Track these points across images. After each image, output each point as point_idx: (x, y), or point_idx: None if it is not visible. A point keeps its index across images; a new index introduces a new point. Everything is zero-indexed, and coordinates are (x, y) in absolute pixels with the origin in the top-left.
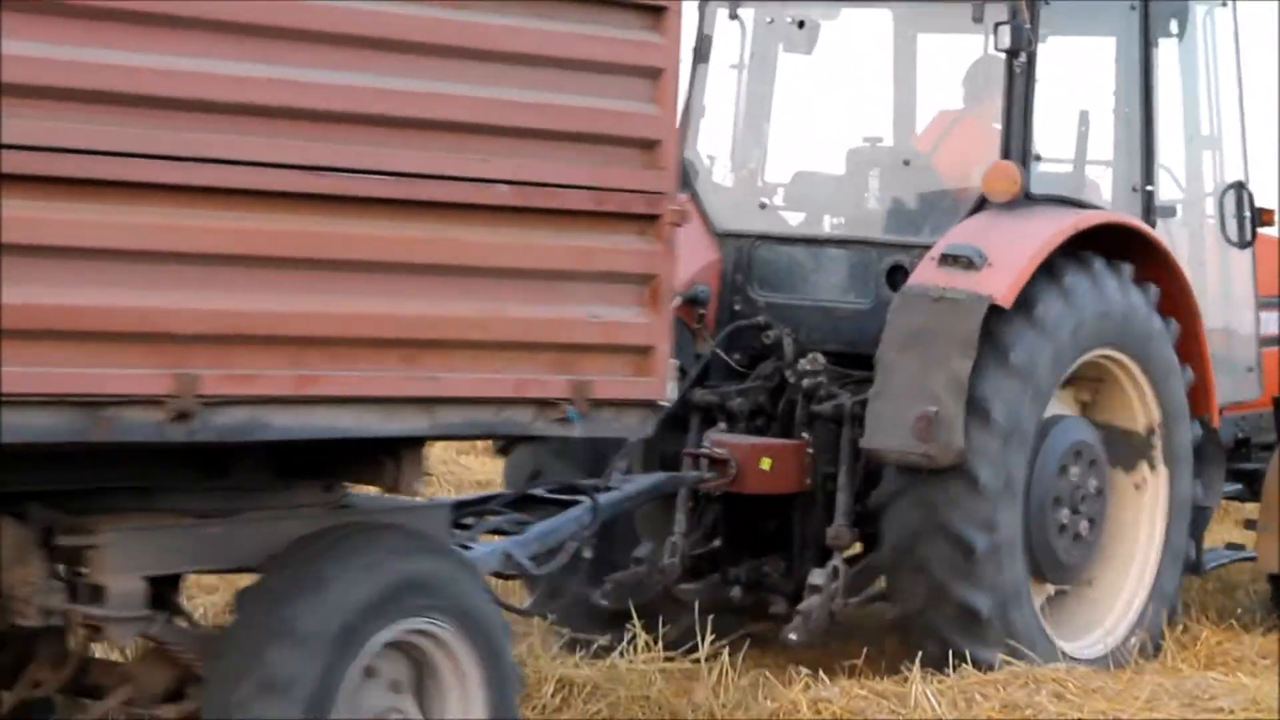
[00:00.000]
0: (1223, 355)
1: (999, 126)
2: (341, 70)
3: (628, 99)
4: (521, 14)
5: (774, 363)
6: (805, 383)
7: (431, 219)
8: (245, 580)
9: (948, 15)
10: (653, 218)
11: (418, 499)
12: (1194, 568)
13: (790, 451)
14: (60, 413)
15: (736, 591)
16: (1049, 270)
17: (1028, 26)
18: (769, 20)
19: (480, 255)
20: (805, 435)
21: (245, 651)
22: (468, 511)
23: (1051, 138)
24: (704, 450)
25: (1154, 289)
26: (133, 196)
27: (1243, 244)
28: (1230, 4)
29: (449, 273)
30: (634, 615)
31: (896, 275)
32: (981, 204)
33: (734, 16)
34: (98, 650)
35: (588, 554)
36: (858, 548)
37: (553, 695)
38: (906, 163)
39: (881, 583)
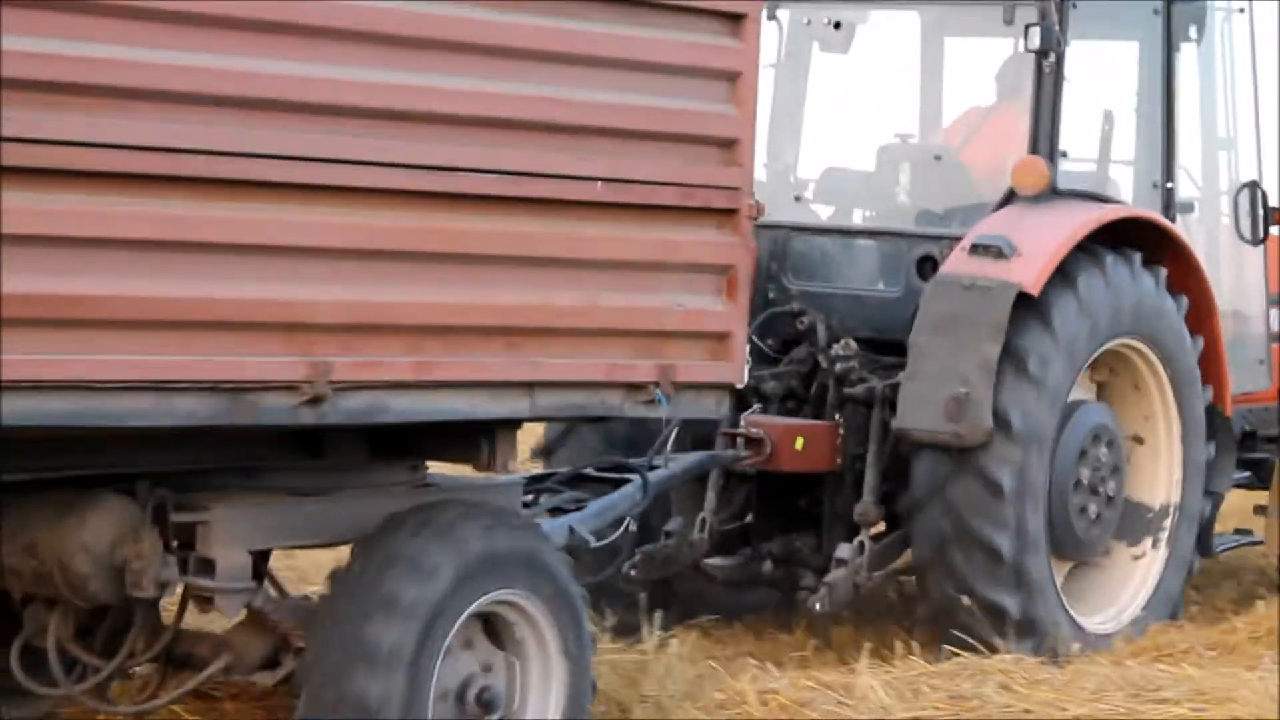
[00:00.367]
0: (1236, 348)
1: (1025, 125)
2: (460, 76)
3: (710, 100)
4: (616, 21)
5: (807, 348)
6: (837, 367)
7: (536, 214)
8: (319, 554)
9: (974, 18)
10: (731, 212)
11: (493, 477)
12: (1205, 549)
13: (822, 432)
14: (206, 398)
15: (768, 565)
16: (1075, 260)
17: (1057, 28)
18: (806, 21)
19: (578, 248)
20: (837, 417)
21: (346, 623)
22: (529, 489)
23: (1076, 136)
24: (740, 430)
25: (1163, 272)
26: (277, 195)
27: (1256, 241)
28: (1247, 10)
29: (550, 265)
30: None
31: (926, 265)
32: (1010, 197)
33: (772, 17)
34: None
35: (633, 528)
36: (881, 525)
37: None
38: (938, 158)
39: (905, 558)
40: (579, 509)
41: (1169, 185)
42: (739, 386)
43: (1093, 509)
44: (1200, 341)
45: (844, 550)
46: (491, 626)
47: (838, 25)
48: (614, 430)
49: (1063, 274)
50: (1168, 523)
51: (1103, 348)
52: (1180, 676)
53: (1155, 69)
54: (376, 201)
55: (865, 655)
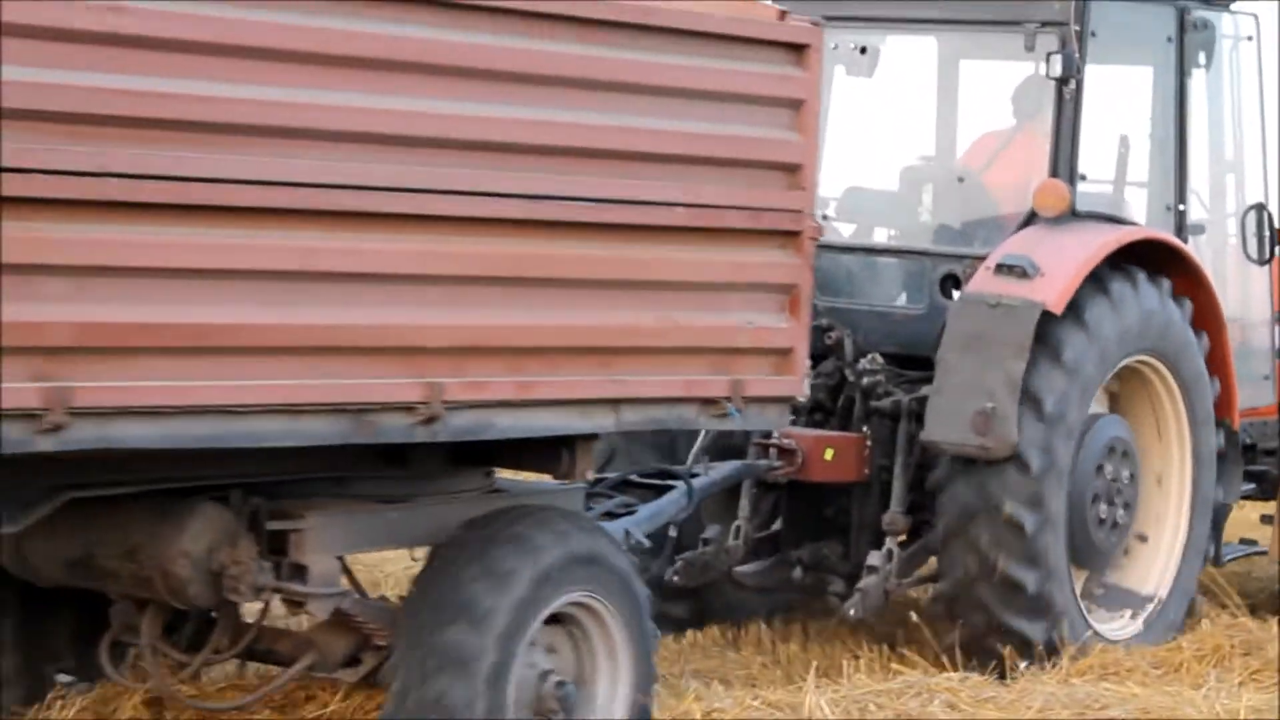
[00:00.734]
0: (1242, 364)
1: (1045, 148)
2: (556, 108)
3: (775, 127)
4: (691, 54)
5: (834, 362)
6: (864, 380)
7: (622, 239)
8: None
9: (990, 42)
10: (795, 234)
11: (556, 483)
12: (1214, 560)
13: (851, 443)
14: (332, 419)
15: (797, 572)
16: (1095, 280)
17: (1077, 55)
18: (833, 46)
19: (660, 271)
20: (864, 429)
21: (429, 627)
22: None
23: (1093, 159)
24: (774, 441)
25: (1189, 304)
26: (394, 226)
27: (1262, 261)
28: (1255, 39)
29: (635, 287)
30: None
31: (948, 283)
32: (1031, 218)
33: None
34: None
35: (673, 533)
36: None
37: None
38: (961, 180)
39: (931, 565)
40: (630, 514)
41: (1181, 208)
42: (801, 400)
43: (1109, 517)
44: (1208, 347)
45: (874, 558)
46: (563, 626)
47: (863, 50)
48: (643, 438)
49: (1094, 282)
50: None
51: (1121, 363)
52: (1126, 695)
53: (1169, 95)
54: (482, 230)
55: (812, 674)
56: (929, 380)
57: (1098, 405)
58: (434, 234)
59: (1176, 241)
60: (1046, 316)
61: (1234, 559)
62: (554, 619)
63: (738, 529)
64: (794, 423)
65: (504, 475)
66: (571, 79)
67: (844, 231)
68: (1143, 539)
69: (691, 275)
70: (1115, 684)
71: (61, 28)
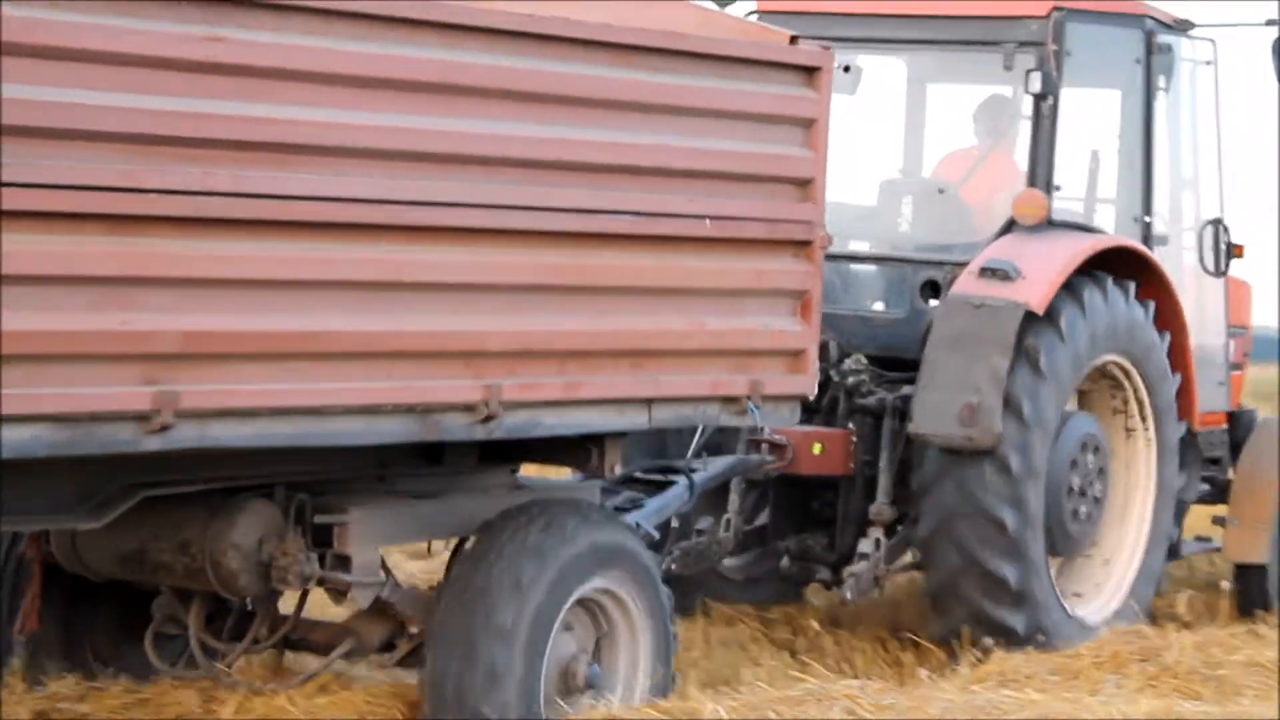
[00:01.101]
0: (1200, 370)
1: (1017, 162)
2: (599, 128)
3: (790, 144)
4: (717, 76)
5: (820, 363)
6: (849, 380)
7: (656, 249)
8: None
9: (965, 62)
10: (806, 243)
11: (571, 479)
12: (1173, 552)
13: (837, 439)
14: (404, 419)
15: (785, 561)
16: (1070, 287)
17: (1055, 73)
18: None
19: (689, 279)
20: (850, 425)
21: (473, 602)
22: None
23: (1064, 175)
24: (765, 437)
25: (1155, 309)
26: (458, 239)
27: (1218, 273)
28: (1213, 63)
29: (666, 294)
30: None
31: (928, 289)
32: (1010, 226)
33: None
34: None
35: (675, 524)
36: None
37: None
38: (941, 191)
39: (911, 556)
40: (637, 508)
41: (1148, 220)
42: (810, 398)
43: (1083, 509)
44: (1169, 347)
45: (864, 545)
46: (589, 612)
47: (846, 69)
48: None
49: (1065, 293)
50: (1145, 524)
51: (1093, 363)
52: (1024, 702)
53: (1136, 113)
54: (534, 242)
55: (711, 682)
56: (910, 380)
57: (1071, 403)
58: (493, 246)
59: (1146, 250)
60: (1028, 317)
61: (1192, 554)
62: (580, 604)
63: (728, 522)
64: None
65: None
66: (614, 101)
67: None
68: (1114, 527)
69: (716, 282)
70: (1014, 691)
71: (170, 57)
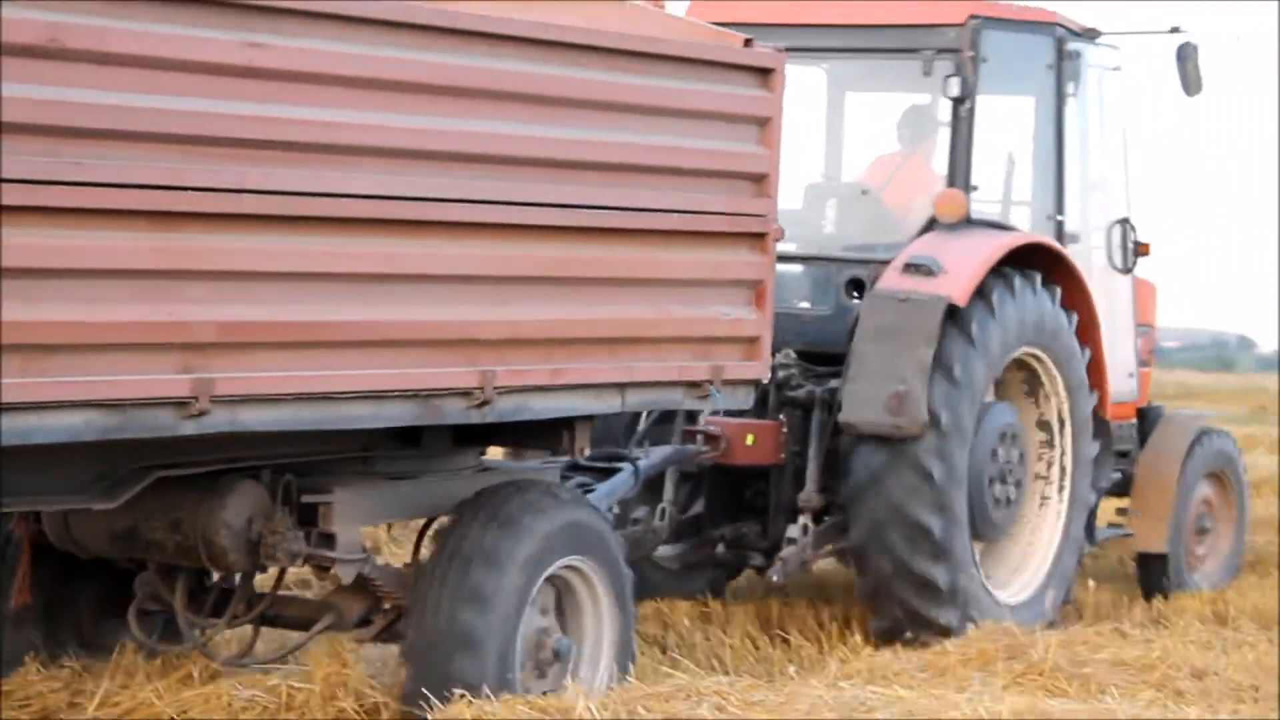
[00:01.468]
0: (1111, 361)
1: (935, 167)
2: (578, 127)
3: (746, 142)
4: (680, 78)
5: None
6: (779, 374)
7: (632, 243)
8: None
9: (884, 70)
10: (761, 236)
11: (532, 463)
12: (1088, 537)
13: (768, 430)
14: (408, 404)
15: (720, 549)
16: (987, 281)
17: (972, 79)
18: None
19: (658, 269)
20: (780, 417)
21: (455, 572)
22: None
23: (981, 177)
24: (700, 428)
25: (1059, 290)
26: (455, 233)
27: (1126, 270)
28: (1119, 69)
29: (639, 284)
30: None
31: (852, 286)
32: (931, 225)
33: None
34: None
35: (616, 510)
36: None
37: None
38: (864, 193)
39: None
40: (589, 493)
41: (1060, 218)
42: (764, 382)
43: (1005, 496)
44: (1088, 352)
45: (793, 531)
46: (557, 588)
47: None
48: None
49: (980, 291)
50: (1063, 508)
51: (1012, 354)
52: (892, 698)
53: (1048, 116)
54: (521, 235)
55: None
56: (836, 374)
57: (989, 394)
58: (484, 240)
59: (1058, 245)
60: (950, 310)
61: (1105, 539)
62: (548, 580)
63: (663, 511)
64: (715, 413)
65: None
66: (591, 101)
67: None
68: (1034, 511)
69: (681, 273)
70: (882, 687)
71: (210, 62)
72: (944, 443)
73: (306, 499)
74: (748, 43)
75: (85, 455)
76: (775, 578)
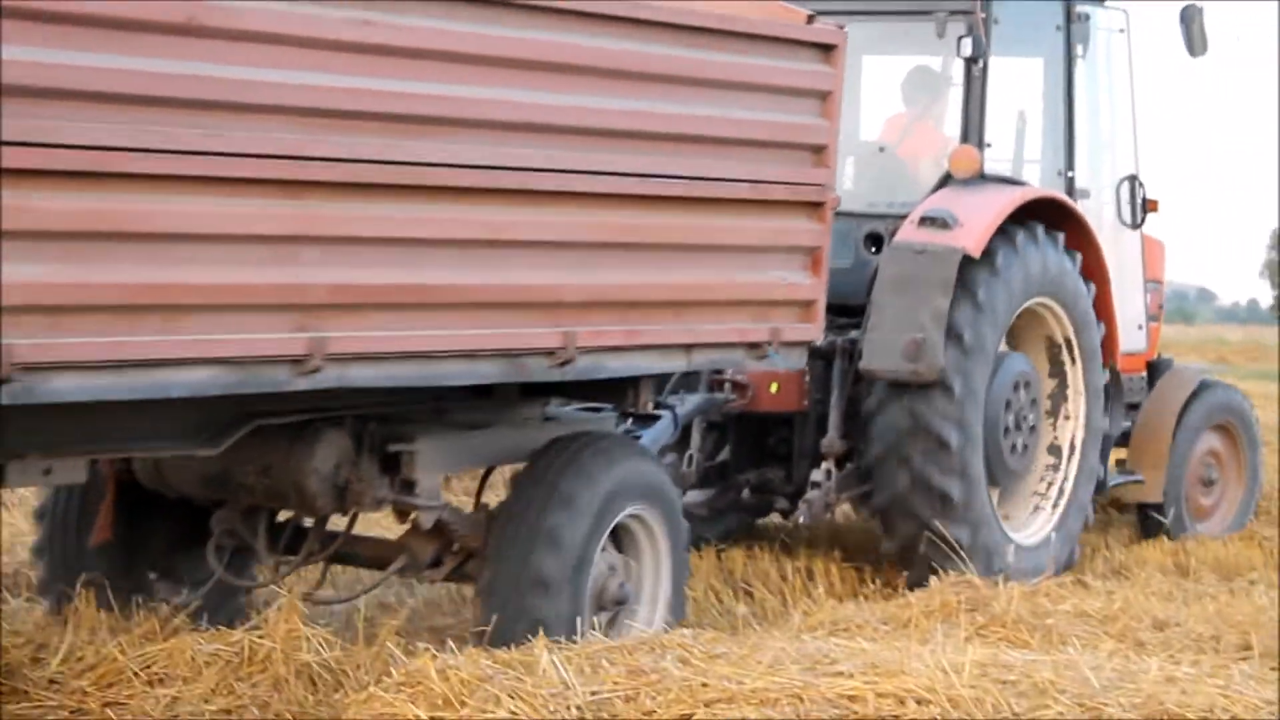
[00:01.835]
0: (1121, 313)
1: (945, 126)
2: (653, 100)
3: (808, 114)
4: (751, 54)
5: None
6: None
7: (701, 211)
8: None
9: (900, 31)
10: (819, 204)
11: (592, 412)
12: (1099, 486)
13: (792, 378)
14: (498, 362)
15: (746, 493)
16: (1002, 233)
17: (984, 39)
18: None
19: (725, 236)
20: (804, 366)
21: (531, 515)
22: None
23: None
24: (728, 377)
25: (1079, 256)
26: (542, 201)
27: (1134, 225)
28: (1125, 32)
29: (707, 250)
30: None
31: (871, 240)
32: (945, 180)
33: None
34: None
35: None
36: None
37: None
38: (881, 150)
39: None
40: (636, 439)
41: (1070, 174)
42: (818, 344)
43: (1019, 443)
44: (1093, 290)
45: (817, 475)
46: (621, 535)
47: None
48: None
49: (997, 240)
50: (1075, 454)
51: (1025, 303)
52: (855, 650)
53: (1058, 77)
54: (602, 204)
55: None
56: (856, 324)
57: (1002, 344)
58: (571, 207)
59: (1068, 200)
60: (965, 261)
61: (1116, 485)
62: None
63: (690, 458)
64: None
65: None
66: (670, 76)
67: None
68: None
69: (745, 240)
70: (845, 639)
71: (331, 39)
72: (964, 361)
73: (392, 448)
74: (810, 19)
75: (191, 405)
76: (801, 519)
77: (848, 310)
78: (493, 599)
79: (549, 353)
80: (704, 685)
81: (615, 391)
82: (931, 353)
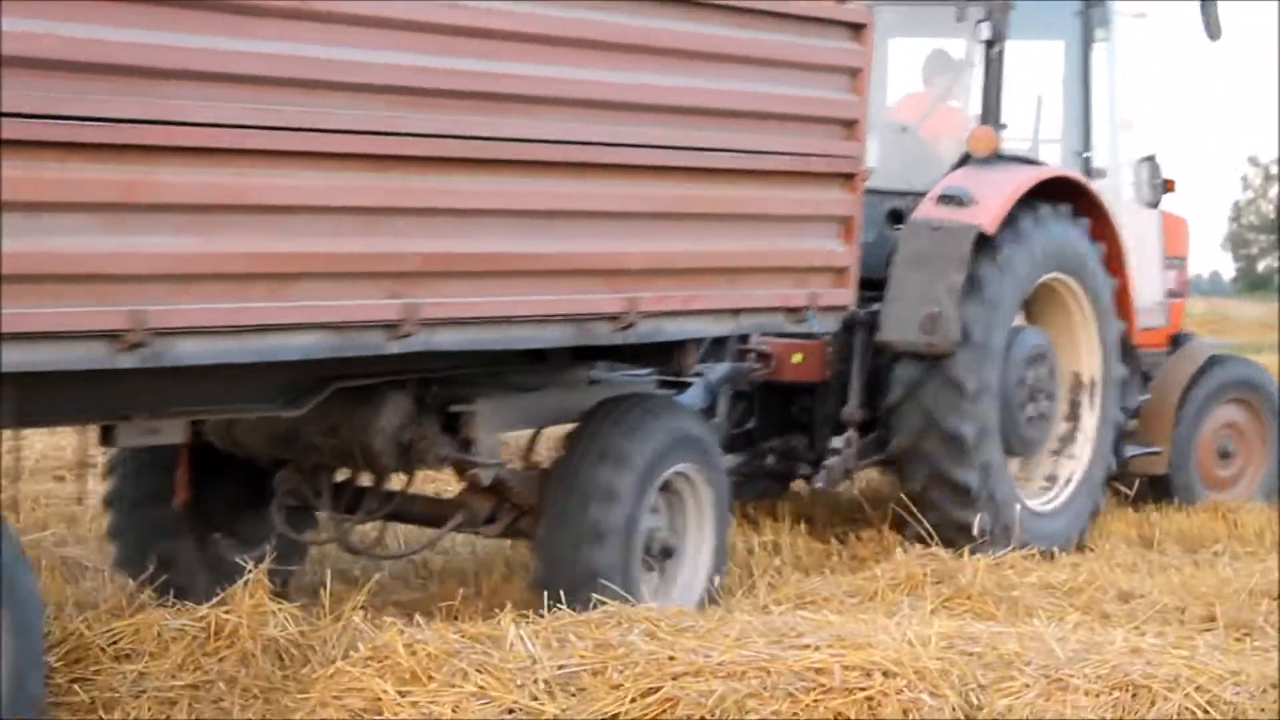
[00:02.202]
0: (1140, 289)
1: (963, 107)
2: (701, 77)
3: (840, 90)
4: (789, 33)
5: None
6: None
7: (752, 182)
8: None
9: (922, 16)
10: (851, 176)
11: (634, 374)
12: (1116, 454)
13: (815, 349)
14: (565, 327)
15: (770, 459)
16: (1018, 210)
17: (1003, 22)
18: None
19: (770, 206)
20: (826, 337)
21: (584, 471)
22: None
23: (1013, 116)
24: (752, 347)
25: (1086, 221)
26: (608, 173)
27: (1153, 204)
28: (1146, 16)
29: (753, 219)
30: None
31: (892, 217)
32: (964, 160)
33: None
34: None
35: None
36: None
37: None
38: (904, 129)
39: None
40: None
41: (1086, 154)
42: (851, 309)
43: (1037, 413)
44: (1114, 279)
45: (836, 442)
46: (667, 491)
47: None
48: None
49: (1009, 220)
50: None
51: (1040, 279)
52: (821, 623)
53: (1076, 61)
54: (660, 175)
55: (511, 606)
56: (878, 298)
57: (1020, 320)
58: (633, 179)
59: (1083, 179)
60: (981, 238)
61: (1133, 456)
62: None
63: (717, 426)
64: (766, 333)
65: None
66: (719, 54)
67: None
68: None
69: (786, 210)
70: (811, 612)
71: (422, 21)
72: (975, 356)
73: (453, 409)
74: (842, 0)
75: (277, 370)
76: (819, 484)
77: (870, 284)
78: (549, 551)
79: (613, 317)
80: (671, 659)
81: (660, 356)
82: (946, 326)
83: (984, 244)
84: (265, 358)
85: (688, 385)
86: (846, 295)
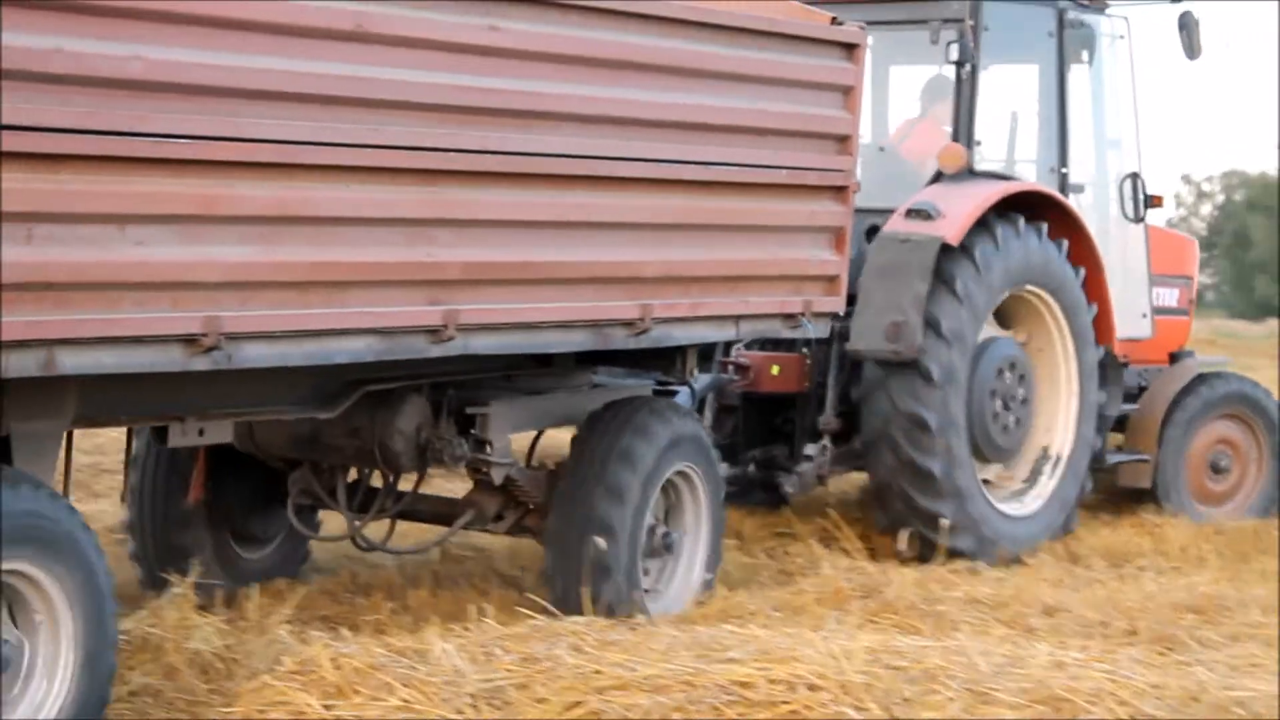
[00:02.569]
0: (1124, 302)
1: (946, 127)
2: (704, 95)
3: (833, 107)
4: (786, 51)
5: None
6: None
7: (750, 194)
8: None
9: (904, 41)
10: (843, 189)
11: (631, 380)
12: (1097, 461)
13: (793, 361)
14: (585, 332)
15: (752, 469)
16: (985, 225)
17: (971, 44)
18: None
19: (769, 218)
20: (803, 350)
21: (592, 470)
22: None
23: (989, 137)
24: (732, 359)
25: (1066, 243)
26: (624, 187)
27: (1137, 219)
28: (1127, 37)
29: (754, 230)
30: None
31: (872, 234)
32: (937, 178)
33: None
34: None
35: None
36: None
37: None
38: (881, 149)
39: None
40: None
41: (1063, 170)
42: (841, 315)
43: (1010, 421)
44: (1083, 271)
45: (810, 449)
46: (666, 488)
47: None
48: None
49: (980, 232)
50: (1070, 435)
51: (1008, 291)
52: (747, 637)
53: (1052, 80)
54: (671, 189)
55: (437, 620)
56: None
57: (991, 329)
58: (648, 192)
59: (1054, 192)
60: (945, 250)
61: (1117, 462)
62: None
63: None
64: (747, 347)
65: None
66: (722, 72)
67: None
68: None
69: (784, 220)
70: (738, 626)
71: (462, 43)
72: (942, 347)
73: (469, 410)
74: (834, 20)
75: (312, 374)
76: (789, 489)
77: (849, 299)
78: (558, 545)
79: (629, 323)
80: (596, 672)
81: (660, 362)
82: (910, 334)
83: (957, 251)
84: (320, 361)
85: (675, 392)
86: (838, 302)
